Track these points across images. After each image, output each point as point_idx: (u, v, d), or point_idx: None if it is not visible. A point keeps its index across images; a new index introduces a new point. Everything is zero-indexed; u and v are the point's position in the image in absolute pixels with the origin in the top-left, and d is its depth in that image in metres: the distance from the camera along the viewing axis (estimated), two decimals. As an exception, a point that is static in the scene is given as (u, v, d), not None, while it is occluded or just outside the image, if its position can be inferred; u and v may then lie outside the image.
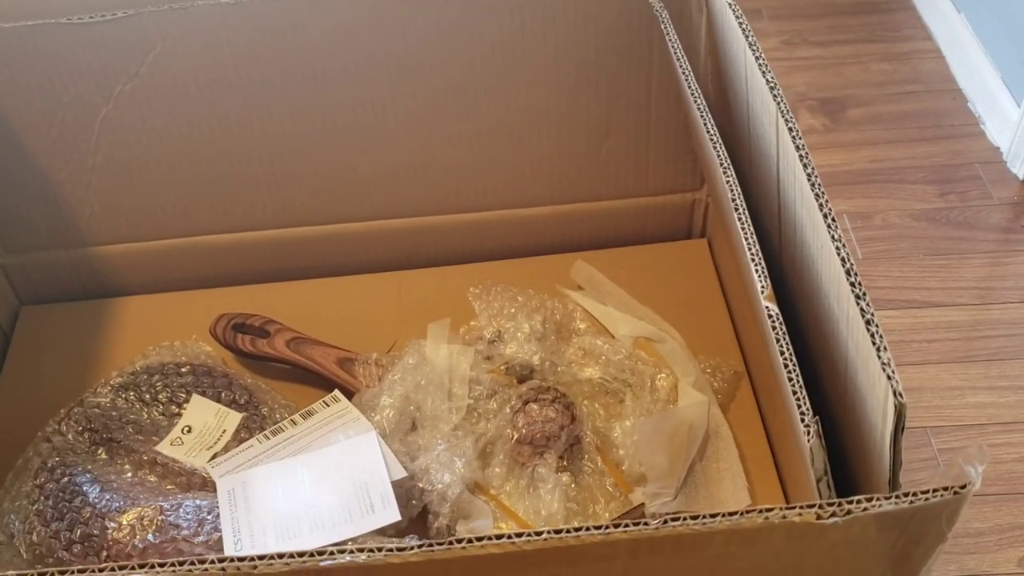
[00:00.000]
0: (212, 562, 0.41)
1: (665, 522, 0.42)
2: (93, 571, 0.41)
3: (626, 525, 0.42)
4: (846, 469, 0.54)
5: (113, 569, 0.41)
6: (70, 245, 0.84)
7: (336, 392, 0.74)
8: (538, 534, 0.42)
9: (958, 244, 1.32)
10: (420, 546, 0.41)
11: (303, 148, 0.80)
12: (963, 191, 1.40)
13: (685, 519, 0.42)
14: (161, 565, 0.41)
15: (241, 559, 0.41)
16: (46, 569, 0.42)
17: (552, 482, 0.69)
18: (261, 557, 0.41)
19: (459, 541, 0.41)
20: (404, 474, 0.67)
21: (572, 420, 0.72)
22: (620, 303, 0.82)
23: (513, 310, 0.80)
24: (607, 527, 0.41)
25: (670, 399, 0.75)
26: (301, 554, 0.41)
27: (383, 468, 0.66)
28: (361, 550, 0.41)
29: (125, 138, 0.78)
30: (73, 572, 0.41)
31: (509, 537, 0.42)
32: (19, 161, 0.78)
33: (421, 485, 0.68)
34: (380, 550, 0.41)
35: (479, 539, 0.41)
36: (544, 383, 0.75)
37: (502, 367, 0.77)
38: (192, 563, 0.41)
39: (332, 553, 0.41)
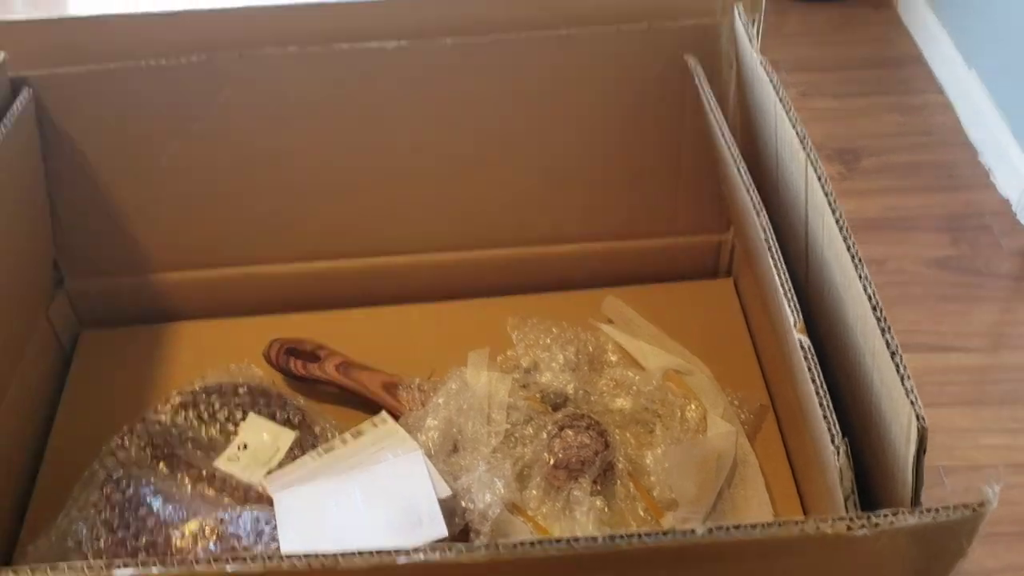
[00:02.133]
0: (299, 558, 0.45)
1: (710, 531, 0.46)
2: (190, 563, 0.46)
3: (673, 533, 0.46)
4: (868, 495, 0.58)
5: (210, 561, 0.45)
6: (131, 272, 0.89)
7: (384, 413, 0.78)
8: (594, 539, 0.46)
9: (969, 291, 1.37)
10: (487, 547, 0.46)
11: (355, 185, 0.86)
12: (974, 240, 1.45)
13: (727, 528, 0.46)
14: (252, 559, 0.45)
15: (324, 555, 0.45)
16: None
17: (587, 505, 0.73)
18: (343, 554, 0.45)
19: (523, 544, 0.46)
20: (449, 492, 0.71)
21: (606, 446, 0.76)
22: (650, 337, 0.86)
23: (548, 341, 0.84)
24: (658, 533, 0.46)
25: (699, 429, 0.79)
26: (380, 552, 0.45)
27: (430, 486, 0.71)
28: (434, 550, 0.45)
29: (189, 172, 0.83)
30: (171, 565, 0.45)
31: (567, 541, 0.46)
32: (89, 192, 0.84)
33: (464, 504, 0.72)
34: (451, 550, 0.46)
35: (540, 542, 0.46)
36: (579, 411, 0.79)
37: (537, 395, 0.81)
38: (281, 558, 0.45)
39: (408, 552, 0.45)
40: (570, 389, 0.81)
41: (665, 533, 0.46)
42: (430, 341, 0.88)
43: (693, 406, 0.80)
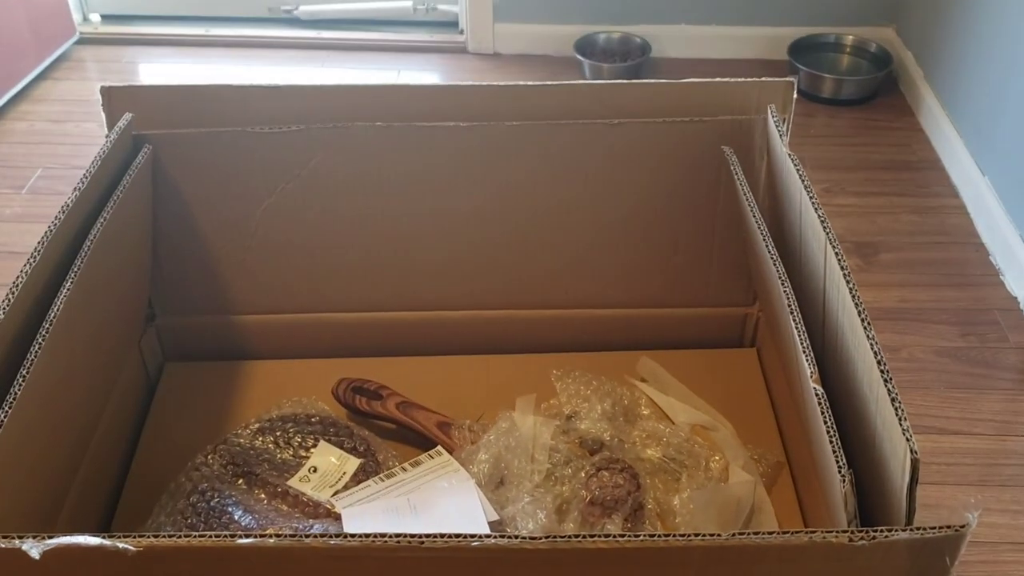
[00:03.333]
0: (390, 536, 0.54)
1: (733, 535, 0.55)
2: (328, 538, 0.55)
3: (702, 535, 0.55)
4: (869, 523, 0.67)
5: (318, 536, 0.54)
6: (217, 312, 0.99)
7: (439, 447, 0.87)
8: (636, 536, 0.55)
9: (977, 380, 1.45)
10: (547, 538, 0.55)
11: (422, 245, 0.96)
12: (983, 333, 1.53)
13: (749, 534, 0.55)
14: (353, 536, 0.54)
15: (411, 535, 0.54)
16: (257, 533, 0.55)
17: (618, 539, 0.81)
18: (427, 535, 0.54)
19: (576, 536, 0.55)
20: (496, 517, 0.80)
21: (637, 488, 0.85)
22: (680, 395, 0.95)
23: (588, 392, 0.94)
24: (689, 535, 0.55)
25: (721, 478, 0.88)
26: (456, 535, 0.54)
27: (481, 511, 0.79)
28: (502, 536, 0.54)
29: (279, 226, 0.94)
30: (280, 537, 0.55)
31: (615, 537, 0.55)
32: (189, 238, 0.95)
33: (508, 530, 0.81)
34: (517, 537, 0.54)
35: (591, 536, 0.55)
36: (613, 456, 0.88)
37: (577, 440, 0.90)
38: (376, 536, 0.54)
39: (480, 537, 0.54)
40: (606, 436, 0.90)
41: (696, 534, 0.55)
42: (480, 389, 0.97)
43: (717, 458, 0.89)
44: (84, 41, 2.48)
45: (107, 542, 0.54)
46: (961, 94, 1.93)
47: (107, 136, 0.85)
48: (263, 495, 0.83)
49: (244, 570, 0.58)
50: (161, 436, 0.93)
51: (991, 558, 1.20)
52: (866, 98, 2.21)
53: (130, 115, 0.87)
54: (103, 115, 0.88)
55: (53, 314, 0.71)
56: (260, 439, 0.88)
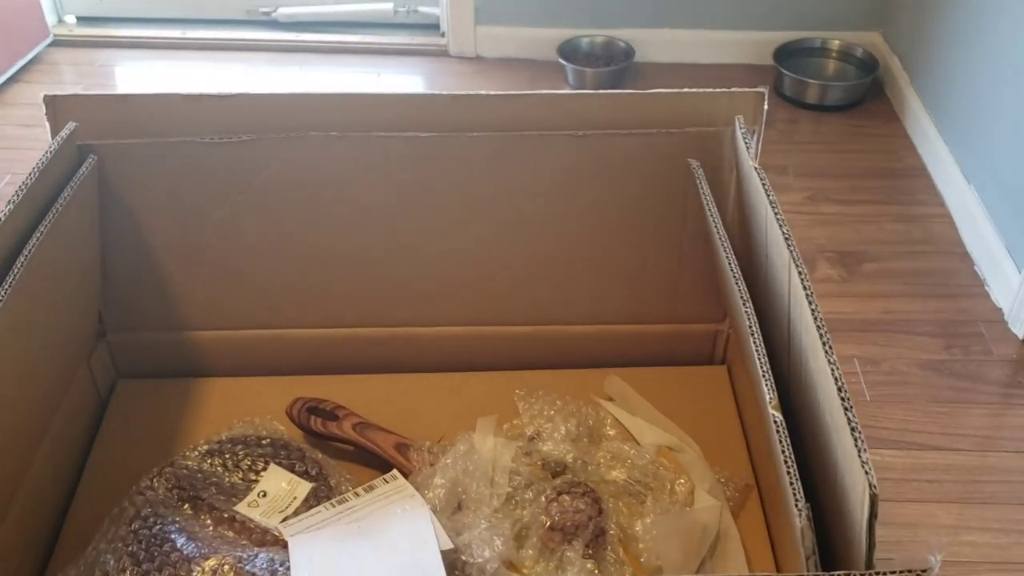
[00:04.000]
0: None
1: (680, 577, 0.52)
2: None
3: (649, 577, 0.52)
4: (830, 560, 0.64)
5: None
6: (169, 328, 0.96)
7: (395, 471, 0.84)
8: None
9: (960, 394, 1.42)
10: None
11: (378, 261, 0.93)
12: (966, 346, 1.51)
13: (697, 576, 0.52)
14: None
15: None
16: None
17: (578, 567, 0.78)
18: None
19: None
20: (451, 546, 0.77)
21: (599, 513, 0.82)
22: (647, 415, 0.92)
23: (552, 412, 0.91)
24: (634, 577, 0.52)
25: (687, 503, 0.85)
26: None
27: (434, 539, 0.76)
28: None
29: (232, 240, 0.91)
30: None
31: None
32: (139, 252, 0.91)
33: (464, 558, 0.78)
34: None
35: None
36: (576, 479, 0.85)
37: (539, 462, 0.87)
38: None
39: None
40: (569, 458, 0.87)
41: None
42: (442, 408, 0.94)
43: (682, 480, 0.86)
44: (58, 43, 2.44)
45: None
46: (947, 100, 1.91)
47: (49, 146, 0.82)
48: (209, 521, 0.80)
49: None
50: (110, 456, 0.90)
51: (971, 578, 1.17)
52: (852, 104, 2.18)
53: (74, 124, 0.84)
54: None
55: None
56: (208, 462, 0.85)
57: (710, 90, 0.87)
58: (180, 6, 2.48)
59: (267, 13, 2.46)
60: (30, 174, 0.78)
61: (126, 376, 0.98)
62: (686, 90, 0.87)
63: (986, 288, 1.62)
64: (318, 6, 2.46)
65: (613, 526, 0.82)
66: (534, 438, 0.89)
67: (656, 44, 2.34)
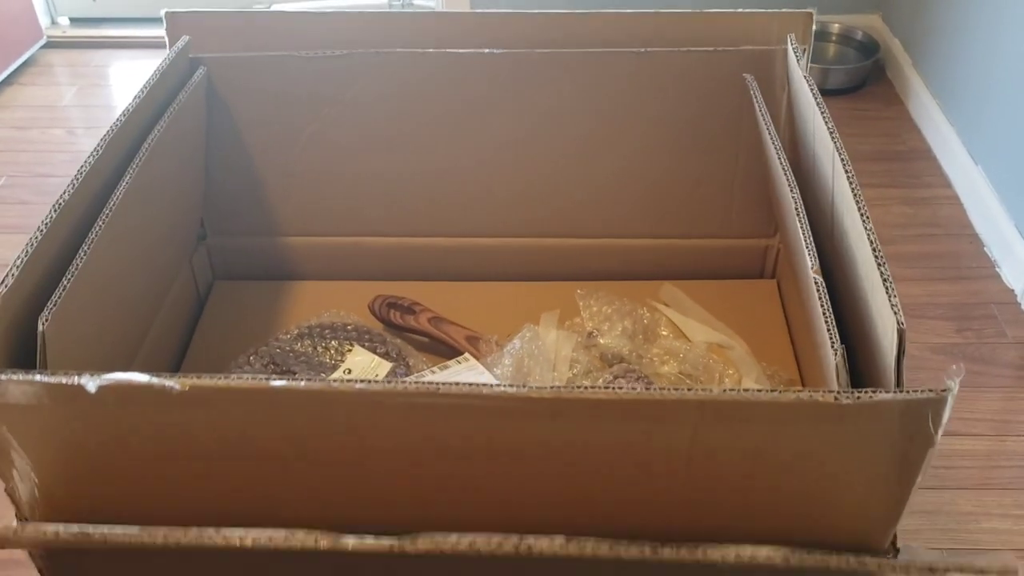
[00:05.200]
0: (409, 383, 0.59)
1: (724, 391, 0.59)
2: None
3: (696, 389, 0.59)
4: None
5: (343, 382, 0.60)
6: (263, 234, 1.05)
7: (467, 354, 0.92)
8: (634, 389, 0.59)
9: (974, 378, 1.40)
10: (552, 388, 0.59)
11: (455, 173, 1.01)
12: (979, 329, 1.49)
13: (739, 390, 0.59)
14: (378, 382, 0.60)
15: (429, 383, 0.59)
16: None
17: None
18: (443, 383, 0.59)
19: (579, 387, 0.59)
20: (518, 414, 0.85)
21: (653, 396, 0.89)
22: (699, 317, 0.99)
23: (610, 311, 0.98)
24: (683, 388, 0.59)
25: (734, 391, 0.91)
26: (472, 384, 0.59)
27: (503, 407, 0.84)
28: (513, 386, 0.59)
29: (322, 151, 1.00)
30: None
31: (615, 388, 0.59)
32: (239, 160, 1.01)
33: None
34: (526, 387, 0.59)
35: (592, 387, 0.59)
36: (631, 366, 0.93)
37: (597, 355, 0.95)
38: (398, 381, 0.59)
39: (491, 387, 0.59)
40: (625, 352, 0.95)
41: (689, 389, 0.59)
42: (508, 311, 1.02)
43: (731, 372, 0.93)
44: (52, 45, 2.42)
45: (155, 380, 0.59)
46: (951, 81, 1.90)
47: (166, 57, 0.92)
48: (301, 391, 0.89)
49: (278, 411, 0.63)
50: (209, 346, 0.99)
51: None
52: (853, 87, 2.16)
53: (187, 37, 0.94)
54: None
55: (108, 212, 0.77)
56: (299, 343, 0.94)
57: (763, 10, 0.94)
58: (175, 5, 2.47)
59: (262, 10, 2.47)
60: (150, 78, 0.87)
61: (222, 278, 1.07)
62: (739, 10, 0.94)
63: (997, 270, 1.61)
64: (312, 1, 2.42)
65: (666, 409, 0.89)
66: (593, 333, 0.97)
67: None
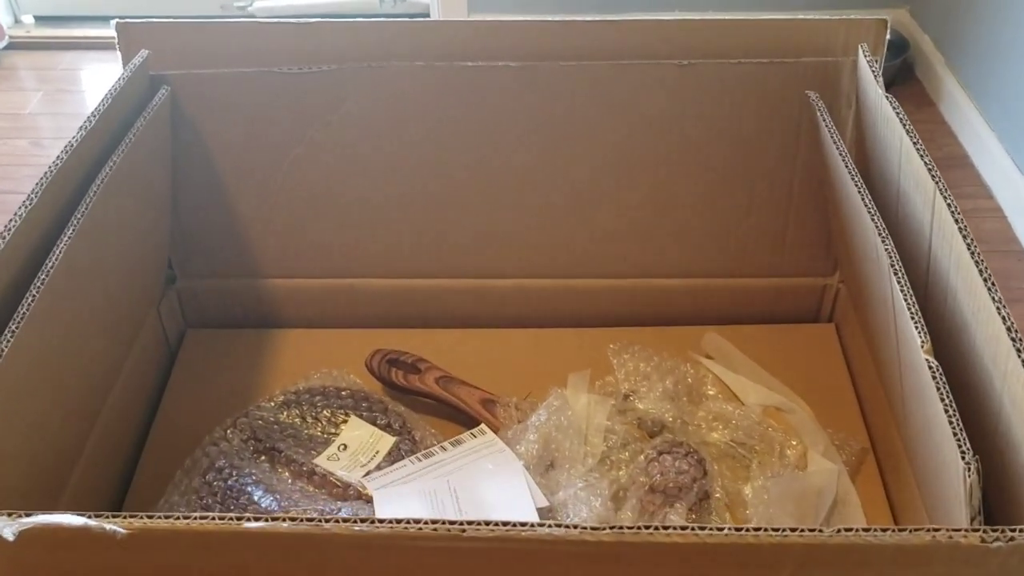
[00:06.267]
0: (427, 523, 0.45)
1: (838, 531, 0.45)
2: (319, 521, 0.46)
3: (801, 531, 0.45)
4: (989, 521, 0.57)
5: (338, 521, 0.46)
6: (241, 275, 0.91)
7: (483, 426, 0.78)
8: (720, 530, 0.45)
9: None
10: (612, 528, 0.45)
11: (464, 204, 0.87)
12: None
13: (857, 530, 0.45)
14: (381, 522, 0.46)
15: (452, 522, 0.45)
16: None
17: (682, 531, 0.72)
18: (470, 522, 0.45)
19: (647, 527, 0.45)
20: (547, 504, 0.71)
21: (704, 474, 0.75)
22: (750, 373, 0.86)
23: (648, 369, 0.84)
24: (785, 530, 0.45)
25: (799, 466, 0.78)
26: (506, 524, 0.45)
27: (528, 496, 0.70)
28: (558, 525, 0.45)
29: (307, 179, 0.86)
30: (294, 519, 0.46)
31: (693, 530, 0.45)
32: (211, 193, 0.86)
33: (559, 518, 0.72)
34: (576, 528, 0.45)
35: (664, 528, 0.45)
36: (677, 439, 0.79)
37: (635, 421, 0.81)
38: (410, 522, 0.45)
39: (532, 526, 0.45)
40: (668, 418, 0.81)
41: (793, 529, 0.45)
42: (528, 364, 0.88)
43: (794, 443, 0.79)
44: (15, 46, 2.25)
45: (93, 523, 0.45)
46: (989, 80, 1.75)
47: (120, 76, 0.77)
48: (287, 474, 0.75)
49: (255, 559, 0.49)
50: (180, 408, 0.85)
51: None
52: None
53: (146, 52, 0.79)
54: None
55: (51, 263, 0.63)
56: (285, 413, 0.80)
57: (826, 17, 0.80)
58: (150, 3, 2.26)
59: (243, 8, 2.30)
60: (102, 100, 0.73)
61: (195, 326, 0.93)
62: (799, 17, 0.80)
63: None
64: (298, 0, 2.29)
65: (719, 489, 0.75)
66: (629, 396, 0.83)
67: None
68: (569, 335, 0.91)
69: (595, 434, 0.79)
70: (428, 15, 2.28)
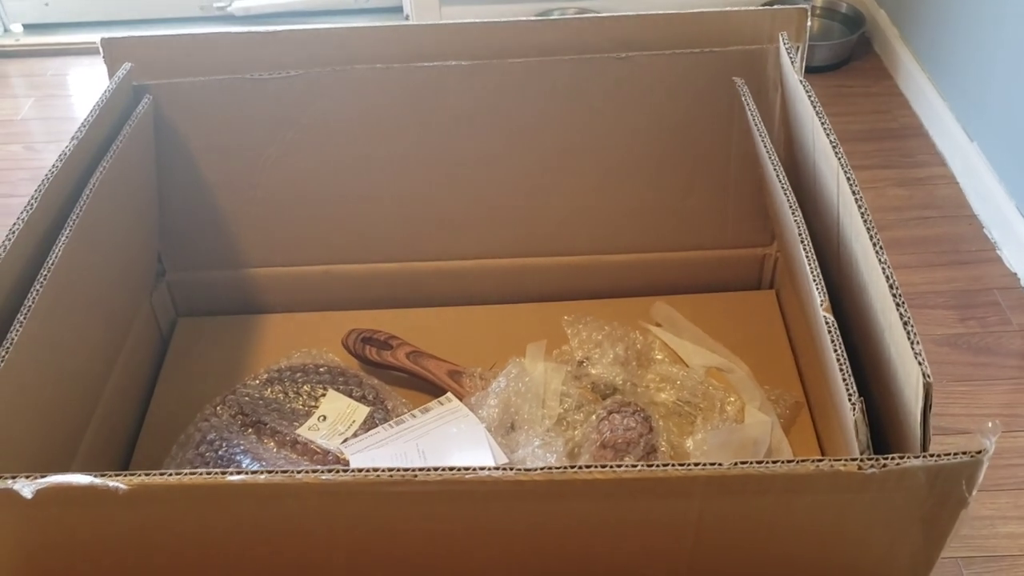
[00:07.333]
0: (383, 471, 0.53)
1: (736, 464, 0.53)
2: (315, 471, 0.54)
3: (703, 464, 0.53)
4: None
5: (308, 471, 0.53)
6: (226, 267, 0.98)
7: (449, 394, 0.86)
8: (634, 466, 0.53)
9: (980, 370, 1.32)
10: (542, 469, 0.53)
11: (428, 193, 0.94)
12: (983, 317, 1.41)
13: (753, 463, 0.53)
14: (346, 471, 0.53)
15: (404, 470, 0.53)
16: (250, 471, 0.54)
17: (632, 482, 0.80)
18: (422, 469, 0.53)
19: (572, 467, 0.53)
20: (505, 460, 0.79)
21: (650, 430, 0.83)
22: (695, 338, 0.93)
23: (600, 338, 0.92)
24: (690, 464, 0.53)
25: (737, 420, 0.86)
26: (452, 469, 0.53)
27: (490, 455, 0.78)
28: (496, 469, 0.53)
29: (283, 177, 0.93)
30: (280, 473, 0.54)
31: (612, 467, 0.53)
32: (195, 191, 0.94)
33: (520, 475, 0.80)
34: (512, 470, 0.53)
35: (587, 467, 0.53)
36: (626, 399, 0.86)
37: (588, 385, 0.89)
38: (370, 471, 0.53)
39: (475, 470, 0.53)
40: (619, 381, 0.88)
41: (697, 463, 0.53)
42: (491, 338, 0.95)
43: (732, 399, 0.87)
44: (4, 55, 2.28)
45: (97, 480, 0.53)
46: (943, 53, 1.80)
47: (107, 88, 0.84)
48: (272, 444, 0.83)
49: (237, 508, 0.57)
50: (174, 389, 0.93)
51: (1014, 574, 1.09)
52: (839, 63, 2.05)
53: (129, 64, 0.86)
54: (108, 84, 0.87)
55: (51, 261, 0.70)
56: (269, 389, 0.87)
57: (752, 8, 0.87)
58: (132, 7, 2.32)
59: (222, 8, 2.34)
60: (91, 112, 0.80)
61: (185, 315, 1.00)
62: (727, 8, 0.87)
63: (998, 252, 1.53)
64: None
65: (664, 443, 0.83)
66: (583, 363, 0.90)
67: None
68: (529, 310, 0.99)
69: (552, 398, 0.87)
70: (400, 10, 2.32)
